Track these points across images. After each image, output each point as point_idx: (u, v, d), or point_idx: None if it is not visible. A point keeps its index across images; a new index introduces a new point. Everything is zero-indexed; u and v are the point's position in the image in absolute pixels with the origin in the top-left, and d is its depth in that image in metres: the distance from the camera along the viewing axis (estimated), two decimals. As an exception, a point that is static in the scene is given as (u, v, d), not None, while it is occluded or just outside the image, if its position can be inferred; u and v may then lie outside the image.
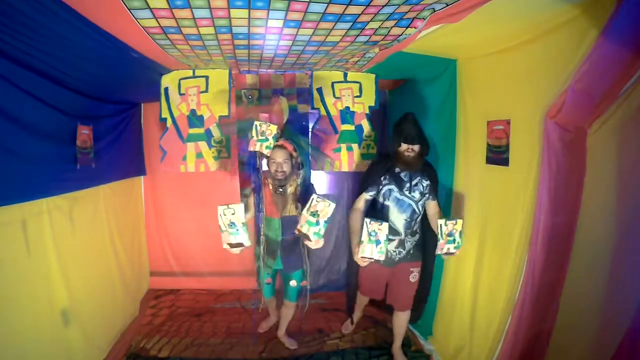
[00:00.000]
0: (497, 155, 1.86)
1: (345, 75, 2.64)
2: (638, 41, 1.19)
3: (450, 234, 1.81)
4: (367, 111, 2.67)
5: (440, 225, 1.81)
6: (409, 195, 2.02)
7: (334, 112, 2.65)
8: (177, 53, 1.98)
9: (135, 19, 1.43)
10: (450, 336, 2.29)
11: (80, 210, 2.01)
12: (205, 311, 2.96)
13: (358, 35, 1.70)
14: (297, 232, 1.80)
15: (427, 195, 2.05)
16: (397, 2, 1.33)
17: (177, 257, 3.27)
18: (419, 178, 2.03)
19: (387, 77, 2.72)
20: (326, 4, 1.33)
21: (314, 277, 3.35)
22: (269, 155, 2.05)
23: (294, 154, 2.07)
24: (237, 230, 1.76)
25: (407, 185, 2.02)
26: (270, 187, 2.12)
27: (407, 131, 1.98)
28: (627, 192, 1.42)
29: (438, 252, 1.84)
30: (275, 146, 2.04)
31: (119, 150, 2.61)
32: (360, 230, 1.80)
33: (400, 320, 2.31)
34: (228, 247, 1.80)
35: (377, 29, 1.62)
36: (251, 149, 2.03)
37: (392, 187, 2.03)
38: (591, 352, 1.54)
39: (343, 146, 2.68)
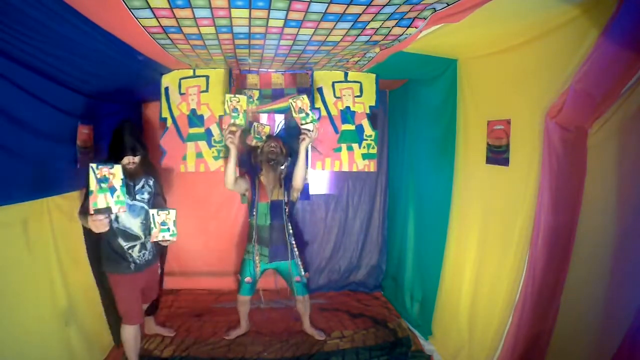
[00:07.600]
0: (497, 155, 1.86)
1: (346, 75, 2.64)
2: (639, 41, 1.19)
3: (163, 223, 1.94)
4: (368, 111, 2.67)
5: (153, 215, 1.92)
6: (138, 198, 2.05)
7: (334, 112, 2.65)
8: (177, 52, 1.98)
9: (136, 18, 1.43)
10: (450, 336, 2.29)
11: (81, 210, 2.01)
12: (205, 311, 2.95)
13: (359, 35, 1.70)
14: (301, 130, 2.22)
15: (155, 192, 2.14)
16: (398, 1, 1.33)
17: (177, 257, 3.26)
18: (143, 180, 2.07)
19: (387, 77, 2.72)
20: (327, 4, 1.33)
21: (314, 277, 3.35)
22: (259, 145, 2.44)
23: (283, 148, 2.43)
24: (238, 114, 2.22)
25: (134, 190, 2.03)
26: (263, 168, 2.39)
27: (128, 143, 1.93)
28: (627, 192, 1.42)
29: (153, 239, 1.94)
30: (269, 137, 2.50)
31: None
32: None
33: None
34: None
35: (377, 28, 1.62)
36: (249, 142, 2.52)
37: None
38: (591, 353, 1.54)
39: (343, 146, 2.68)
